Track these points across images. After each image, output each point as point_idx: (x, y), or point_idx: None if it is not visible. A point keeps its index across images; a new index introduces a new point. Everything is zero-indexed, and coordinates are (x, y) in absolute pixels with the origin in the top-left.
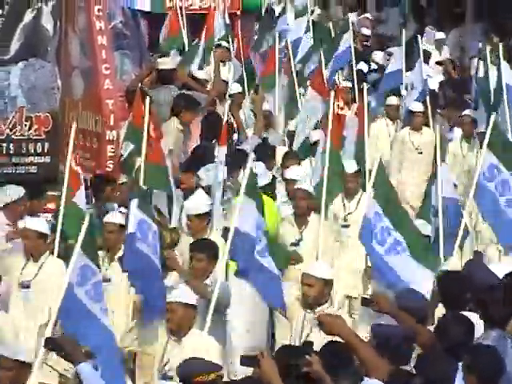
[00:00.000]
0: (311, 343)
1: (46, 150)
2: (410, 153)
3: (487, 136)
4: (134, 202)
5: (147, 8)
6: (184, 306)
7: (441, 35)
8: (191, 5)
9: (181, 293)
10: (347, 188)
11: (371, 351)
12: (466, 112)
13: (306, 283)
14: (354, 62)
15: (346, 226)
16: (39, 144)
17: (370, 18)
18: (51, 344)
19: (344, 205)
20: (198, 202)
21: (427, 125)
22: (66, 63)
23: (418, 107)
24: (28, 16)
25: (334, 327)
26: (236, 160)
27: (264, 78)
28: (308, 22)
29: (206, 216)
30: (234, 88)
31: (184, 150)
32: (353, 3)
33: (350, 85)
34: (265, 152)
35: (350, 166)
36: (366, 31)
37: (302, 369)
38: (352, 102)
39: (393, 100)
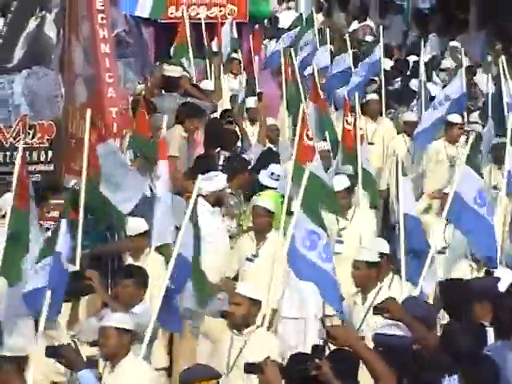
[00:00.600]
0: (321, 348)
1: (49, 159)
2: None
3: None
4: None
5: (146, 15)
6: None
7: (454, 43)
8: (198, 14)
9: (115, 317)
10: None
11: (381, 363)
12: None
13: (234, 302)
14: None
15: (340, 242)
16: (43, 152)
17: (372, 25)
18: (52, 352)
19: (337, 219)
20: (136, 222)
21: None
22: (70, 71)
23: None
24: (31, 24)
25: (345, 339)
26: (236, 167)
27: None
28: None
29: (146, 235)
30: (251, 102)
31: (189, 158)
32: (356, 11)
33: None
34: (269, 160)
35: (339, 184)
36: (369, 38)
37: (311, 372)
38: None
39: (412, 116)
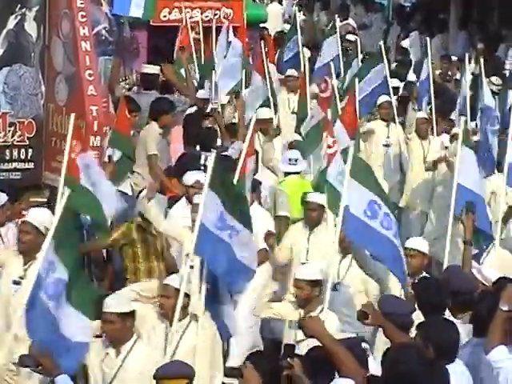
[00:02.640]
0: (293, 346)
1: (29, 156)
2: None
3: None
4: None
5: (140, 15)
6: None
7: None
8: (192, 17)
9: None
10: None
11: (348, 355)
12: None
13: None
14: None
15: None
16: (23, 150)
17: (353, 24)
18: (26, 360)
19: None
20: None
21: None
22: (50, 69)
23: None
24: (11, 22)
25: (313, 329)
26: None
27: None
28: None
29: None
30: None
31: (167, 155)
32: (337, 9)
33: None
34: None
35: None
36: (352, 37)
37: (284, 371)
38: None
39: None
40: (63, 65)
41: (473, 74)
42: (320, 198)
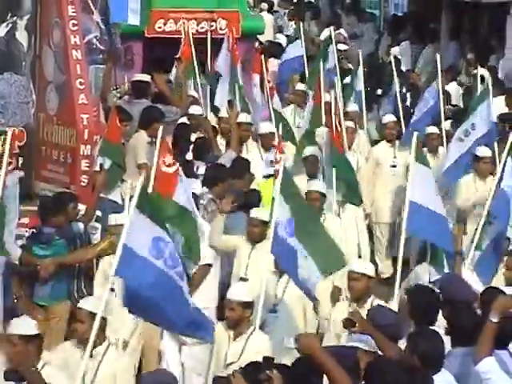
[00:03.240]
0: (272, 359)
1: (19, 165)
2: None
3: None
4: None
5: (137, 22)
6: None
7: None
8: (177, 29)
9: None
10: None
11: (342, 373)
12: (432, 129)
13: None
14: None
15: None
16: (13, 159)
17: (345, 34)
18: (12, 375)
19: None
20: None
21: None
22: (41, 78)
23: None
24: (2, 30)
25: (307, 347)
26: (215, 175)
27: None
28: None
29: None
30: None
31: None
32: (327, 19)
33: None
34: (241, 166)
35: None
36: (343, 47)
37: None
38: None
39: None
40: (54, 74)
41: (463, 84)
42: (263, 215)
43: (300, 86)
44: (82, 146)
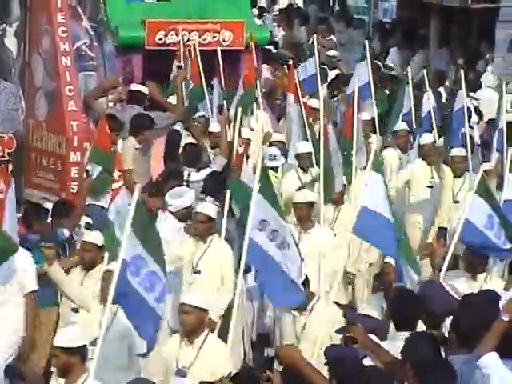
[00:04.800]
0: (271, 359)
1: (9, 172)
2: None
3: None
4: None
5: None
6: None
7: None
8: (189, 40)
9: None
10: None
11: (325, 380)
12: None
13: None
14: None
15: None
16: (3, 165)
17: (335, 40)
18: (12, 373)
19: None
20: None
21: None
22: (30, 85)
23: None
24: None
25: (289, 358)
26: (213, 182)
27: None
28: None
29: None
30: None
31: (146, 170)
32: (316, 25)
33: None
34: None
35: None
36: (333, 53)
37: None
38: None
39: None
40: (43, 80)
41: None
42: (209, 210)
43: (312, 103)
44: (71, 152)
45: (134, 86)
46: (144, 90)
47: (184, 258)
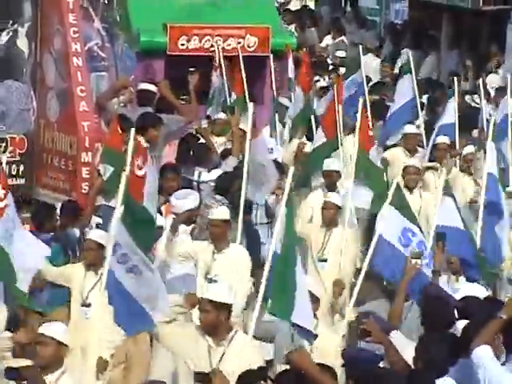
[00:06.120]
0: (266, 368)
1: (20, 172)
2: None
3: None
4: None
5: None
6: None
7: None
8: (212, 46)
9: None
10: None
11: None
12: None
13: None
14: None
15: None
16: (14, 166)
17: (346, 41)
18: (12, 374)
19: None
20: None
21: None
22: (42, 85)
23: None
24: (3, 37)
25: (299, 363)
26: (225, 183)
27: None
28: None
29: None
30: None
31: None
32: (327, 26)
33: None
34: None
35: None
36: (341, 53)
37: None
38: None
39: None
40: (55, 81)
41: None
42: (223, 214)
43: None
44: (82, 153)
45: (143, 86)
46: (153, 88)
47: (197, 259)
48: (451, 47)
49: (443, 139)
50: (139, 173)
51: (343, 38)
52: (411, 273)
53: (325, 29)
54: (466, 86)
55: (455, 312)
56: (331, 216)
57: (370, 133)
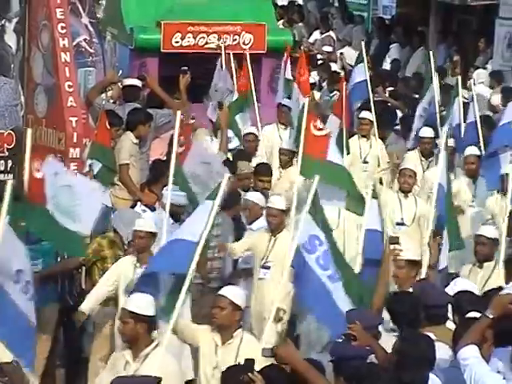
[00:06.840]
0: (253, 361)
1: (9, 168)
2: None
3: None
4: None
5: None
6: None
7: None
8: (207, 43)
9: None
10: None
11: (322, 379)
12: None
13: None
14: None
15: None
16: (2, 161)
17: (334, 37)
18: None
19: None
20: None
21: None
22: (30, 80)
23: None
24: None
25: (285, 356)
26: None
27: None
28: None
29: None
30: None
31: (145, 166)
32: (315, 22)
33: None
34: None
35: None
36: (328, 48)
37: None
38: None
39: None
40: (43, 76)
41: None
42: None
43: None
44: (70, 148)
45: (128, 82)
46: (137, 83)
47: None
48: (440, 43)
49: (428, 133)
50: (38, 175)
51: (331, 33)
52: (389, 258)
53: (313, 24)
54: (453, 81)
55: (448, 308)
56: (276, 223)
57: (317, 133)
